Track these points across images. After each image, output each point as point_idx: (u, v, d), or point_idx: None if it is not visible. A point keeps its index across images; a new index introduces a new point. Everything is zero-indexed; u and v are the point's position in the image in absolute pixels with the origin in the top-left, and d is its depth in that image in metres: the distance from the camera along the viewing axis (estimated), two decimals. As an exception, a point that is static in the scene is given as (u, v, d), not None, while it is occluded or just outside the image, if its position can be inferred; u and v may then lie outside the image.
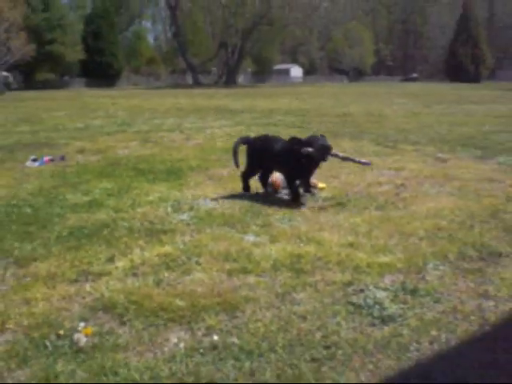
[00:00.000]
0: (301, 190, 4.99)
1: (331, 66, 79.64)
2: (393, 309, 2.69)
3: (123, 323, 2.60)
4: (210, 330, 2.51)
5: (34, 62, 43.88)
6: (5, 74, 43.18)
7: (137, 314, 2.67)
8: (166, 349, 2.36)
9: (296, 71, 76.56)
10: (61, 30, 49.29)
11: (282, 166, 4.99)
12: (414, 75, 74.35)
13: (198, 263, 3.34)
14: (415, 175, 6.03)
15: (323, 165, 4.95)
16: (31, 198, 5.18)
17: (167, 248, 3.61)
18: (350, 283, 3.01)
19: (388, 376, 2.14)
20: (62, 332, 2.49)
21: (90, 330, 2.50)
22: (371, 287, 2.95)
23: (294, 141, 4.81)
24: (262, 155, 5.07)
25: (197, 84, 56.67)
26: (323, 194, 5.10)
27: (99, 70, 53.00)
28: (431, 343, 2.38)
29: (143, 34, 74.49)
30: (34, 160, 7.25)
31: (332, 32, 79.15)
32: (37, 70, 50.66)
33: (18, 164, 7.23)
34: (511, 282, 3.01)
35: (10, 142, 9.57)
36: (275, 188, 5.24)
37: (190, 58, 61.79)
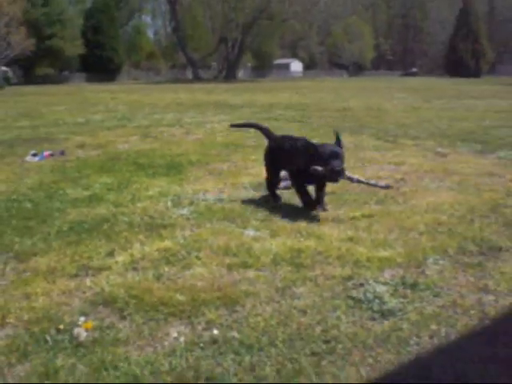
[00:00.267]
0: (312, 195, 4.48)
1: (331, 60, 79.61)
2: (393, 303, 2.69)
3: (123, 317, 2.60)
4: (210, 325, 2.51)
5: (33, 57, 43.90)
6: (4, 68, 43.09)
7: (137, 308, 2.67)
8: (166, 343, 2.37)
9: (296, 66, 76.53)
10: (60, 25, 49.26)
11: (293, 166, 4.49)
12: (414, 70, 74.34)
13: (198, 258, 3.34)
14: (415, 170, 6.02)
15: None
16: (31, 193, 5.17)
17: (167, 243, 3.60)
18: (349, 277, 3.01)
19: (388, 370, 2.14)
20: (62, 326, 2.49)
21: (90, 324, 2.50)
22: (371, 281, 2.94)
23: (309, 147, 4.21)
24: (280, 157, 4.62)
25: (197, 79, 56.59)
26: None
27: (99, 65, 53.00)
28: (431, 337, 2.38)
29: (143, 29, 74.55)
30: (34, 155, 7.24)
31: (332, 26, 79.12)
32: (36, 65, 50.66)
33: (18, 159, 7.21)
34: (511, 277, 3.01)
35: (9, 137, 9.55)
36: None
37: (189, 52, 61.75)
